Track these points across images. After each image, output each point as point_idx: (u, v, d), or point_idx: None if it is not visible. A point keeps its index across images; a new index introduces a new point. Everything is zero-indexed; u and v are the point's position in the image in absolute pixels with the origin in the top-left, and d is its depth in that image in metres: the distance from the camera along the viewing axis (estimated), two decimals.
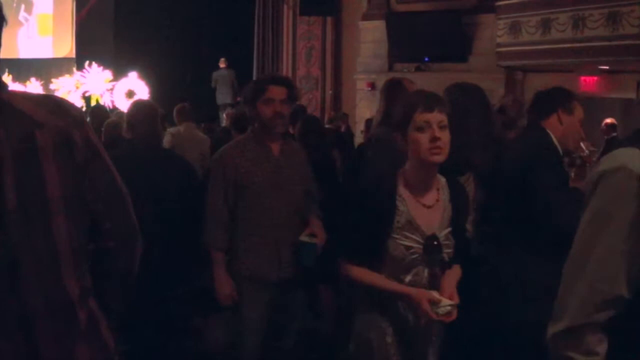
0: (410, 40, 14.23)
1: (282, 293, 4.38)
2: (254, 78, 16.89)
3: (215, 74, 18.07)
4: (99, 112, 9.05)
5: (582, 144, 4.69)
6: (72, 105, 2.19)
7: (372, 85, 15.08)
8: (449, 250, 3.33)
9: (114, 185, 2.18)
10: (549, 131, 4.02)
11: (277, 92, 4.29)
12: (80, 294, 2.05)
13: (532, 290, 3.79)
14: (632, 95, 12.26)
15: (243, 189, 4.28)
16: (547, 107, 4.12)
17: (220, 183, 4.30)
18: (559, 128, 4.03)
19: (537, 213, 3.78)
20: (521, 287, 3.83)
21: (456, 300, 3.21)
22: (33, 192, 1.94)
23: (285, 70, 17.40)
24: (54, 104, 2.09)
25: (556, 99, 4.13)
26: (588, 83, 12.60)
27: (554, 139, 4.00)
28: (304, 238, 4.32)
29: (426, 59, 14.33)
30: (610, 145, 11.99)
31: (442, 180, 3.42)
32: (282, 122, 4.35)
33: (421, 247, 3.24)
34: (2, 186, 1.90)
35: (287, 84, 4.45)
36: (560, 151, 4.05)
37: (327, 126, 10.89)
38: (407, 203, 3.26)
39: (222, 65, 18.16)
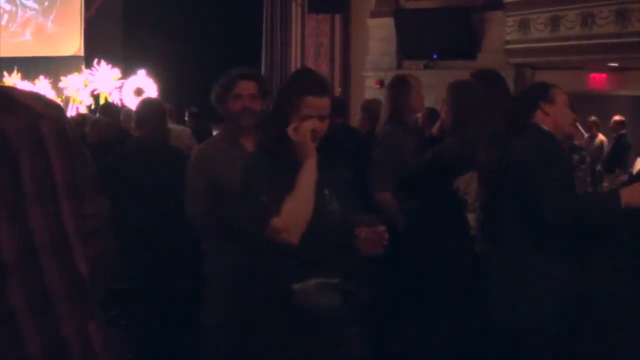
0: (419, 37, 14.22)
1: None
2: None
3: None
4: (109, 110, 9.06)
5: (581, 129, 4.65)
6: (56, 102, 2.32)
7: (381, 83, 15.03)
8: None
9: (93, 175, 2.27)
10: (541, 125, 4.01)
11: (246, 88, 4.18)
12: (87, 273, 2.13)
13: (532, 289, 3.79)
14: None
15: (219, 188, 4.10)
16: (528, 106, 4.09)
17: (201, 187, 4.14)
18: (547, 120, 4.01)
19: (530, 205, 3.76)
20: (522, 286, 3.83)
21: None
22: (44, 178, 2.03)
23: (294, 67, 17.37)
24: (44, 98, 2.22)
25: (534, 95, 4.11)
26: (597, 80, 12.59)
27: (549, 131, 3.99)
28: None
29: (435, 57, 14.31)
30: (619, 142, 11.98)
31: None
32: (250, 116, 4.17)
33: None
34: (20, 173, 1.99)
35: (257, 78, 4.33)
36: (559, 140, 4.03)
37: None
38: None
39: None
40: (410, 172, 4.54)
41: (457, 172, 4.17)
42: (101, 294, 2.38)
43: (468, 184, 4.19)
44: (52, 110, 2.12)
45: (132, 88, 15.50)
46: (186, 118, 11.54)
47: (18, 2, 21.68)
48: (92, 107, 15.36)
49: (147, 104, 5.07)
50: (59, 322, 2.03)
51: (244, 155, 4.12)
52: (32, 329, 1.98)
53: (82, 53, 20.15)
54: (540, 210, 3.69)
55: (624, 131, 12.16)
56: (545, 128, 3.96)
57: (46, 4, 21.60)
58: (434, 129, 4.87)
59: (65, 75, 16.89)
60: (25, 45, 21.00)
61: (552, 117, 4.00)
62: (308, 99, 3.18)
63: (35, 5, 21.68)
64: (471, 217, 4.23)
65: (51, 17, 21.48)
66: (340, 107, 7.60)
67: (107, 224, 2.33)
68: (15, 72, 17.38)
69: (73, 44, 20.78)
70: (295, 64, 17.50)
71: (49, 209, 2.03)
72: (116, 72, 16.25)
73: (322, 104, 3.21)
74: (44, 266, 2.01)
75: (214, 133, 11.82)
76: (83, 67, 17.99)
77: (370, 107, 7.15)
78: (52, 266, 2.02)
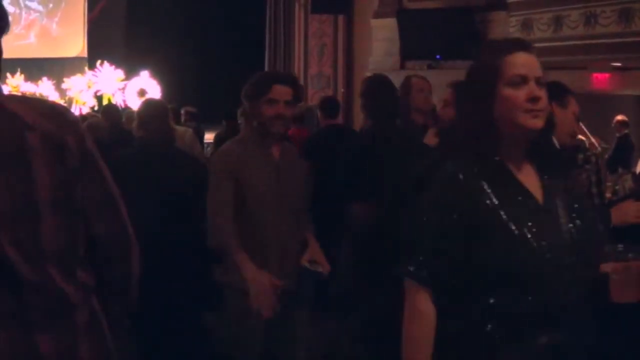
0: (422, 38, 14.19)
1: (281, 309, 3.92)
2: None
3: None
4: (111, 111, 9.08)
5: (593, 140, 4.64)
6: (67, 110, 2.20)
7: None
8: None
9: (107, 194, 2.16)
10: None
11: (282, 93, 3.96)
12: (75, 292, 2.06)
13: None
14: None
15: (244, 194, 3.92)
16: None
17: (226, 182, 3.91)
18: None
19: None
20: None
21: None
22: (22, 194, 1.95)
23: (297, 68, 17.39)
24: (48, 108, 2.09)
25: (549, 93, 4.09)
26: (600, 80, 12.54)
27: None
28: (306, 264, 3.98)
29: (438, 57, 14.28)
30: (622, 142, 11.97)
31: None
32: (283, 124, 4.02)
33: None
34: None
35: (293, 83, 4.15)
36: (557, 145, 4.02)
37: None
38: None
39: None
40: (424, 173, 4.41)
41: None
42: (120, 317, 2.32)
43: None
44: (48, 123, 2.00)
45: (135, 89, 15.52)
46: (182, 118, 11.34)
47: (22, 4, 21.69)
48: (95, 108, 15.37)
49: (149, 105, 5.06)
50: (36, 338, 1.98)
51: (272, 159, 4.01)
52: (6, 342, 1.95)
53: (85, 54, 20.17)
54: None
55: (627, 131, 12.17)
56: None
57: (50, 5, 21.61)
58: (427, 139, 4.81)
59: (68, 76, 16.92)
60: (30, 47, 21.00)
61: (558, 120, 3.97)
62: (514, 56, 2.28)
63: (40, 7, 21.68)
64: None
65: (56, 19, 21.49)
66: (333, 107, 7.57)
67: (127, 247, 2.24)
68: (18, 73, 17.37)
69: (76, 45, 20.79)
70: (298, 65, 17.51)
71: (23, 226, 1.95)
72: (119, 73, 16.28)
73: (532, 62, 2.32)
74: (19, 282, 1.95)
75: (206, 136, 11.81)
76: (86, 68, 18.00)
77: None
78: (29, 283, 1.96)
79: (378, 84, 5.28)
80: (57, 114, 2.07)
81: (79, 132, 2.08)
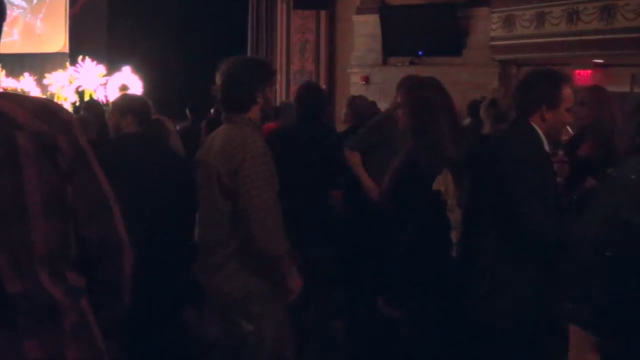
0: (405, 34, 14.21)
1: None
2: None
3: None
4: (93, 107, 9.03)
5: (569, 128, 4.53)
6: (60, 109, 2.12)
7: (367, 79, 15.05)
8: None
9: (100, 196, 2.12)
10: (534, 125, 3.85)
11: None
12: (64, 295, 2.03)
13: (513, 294, 3.72)
14: (626, 88, 12.28)
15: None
16: (529, 103, 3.90)
17: (272, 178, 3.67)
18: (542, 124, 3.85)
19: (512, 217, 3.68)
20: (503, 292, 3.74)
21: None
22: (11, 195, 1.91)
23: (280, 64, 17.36)
24: (39, 107, 2.04)
25: (539, 95, 3.91)
26: (582, 77, 12.59)
27: (540, 134, 3.85)
28: None
29: (420, 53, 14.30)
30: None
31: None
32: None
33: None
34: None
35: None
36: (547, 146, 3.90)
37: None
38: None
39: None
40: (389, 186, 4.30)
41: (435, 173, 4.04)
42: (112, 318, 2.30)
43: (447, 184, 4.10)
44: (40, 124, 1.96)
45: (117, 85, 15.44)
46: None
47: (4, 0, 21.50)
48: (77, 103, 15.29)
49: (129, 100, 4.99)
50: (24, 343, 1.96)
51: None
52: None
53: (66, 50, 20.05)
54: (522, 227, 3.63)
55: None
56: (537, 129, 3.81)
57: (34, 1, 21.45)
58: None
59: (50, 72, 16.80)
60: (13, 45, 20.85)
61: (548, 122, 3.83)
62: None
63: (23, 3, 21.51)
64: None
65: (40, 15, 21.33)
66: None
67: (119, 248, 2.19)
68: None
69: (58, 41, 20.68)
70: (280, 60, 17.49)
71: (12, 227, 1.92)
72: (101, 68, 16.17)
73: None
74: (5, 283, 1.92)
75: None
76: (68, 64, 17.88)
77: (355, 104, 7.15)
78: (15, 284, 1.94)
79: (305, 90, 5.65)
80: (49, 113, 2.03)
81: (71, 132, 2.04)
